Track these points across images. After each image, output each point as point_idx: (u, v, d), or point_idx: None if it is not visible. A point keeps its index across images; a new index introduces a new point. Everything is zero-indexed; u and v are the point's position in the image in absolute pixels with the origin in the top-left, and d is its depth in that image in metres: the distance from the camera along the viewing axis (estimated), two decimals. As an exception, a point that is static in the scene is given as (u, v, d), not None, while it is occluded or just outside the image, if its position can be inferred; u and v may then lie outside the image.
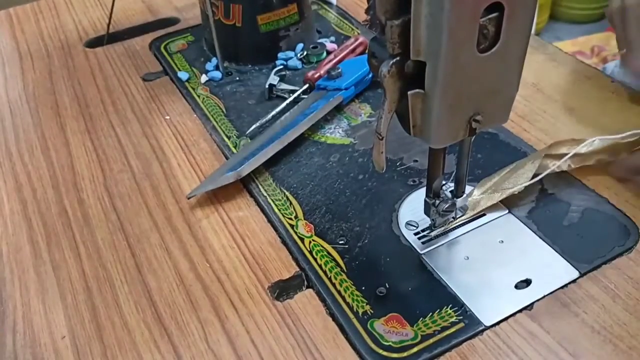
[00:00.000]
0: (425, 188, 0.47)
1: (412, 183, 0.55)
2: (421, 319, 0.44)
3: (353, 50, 0.72)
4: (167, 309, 0.47)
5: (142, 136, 0.65)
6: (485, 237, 0.49)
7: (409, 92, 0.37)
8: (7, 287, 0.50)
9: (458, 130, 0.39)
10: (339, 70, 0.67)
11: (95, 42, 0.85)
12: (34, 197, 0.59)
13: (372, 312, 0.44)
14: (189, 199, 0.56)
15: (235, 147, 0.62)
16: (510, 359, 0.41)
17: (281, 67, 0.71)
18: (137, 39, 0.84)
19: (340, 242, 0.50)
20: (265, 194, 0.56)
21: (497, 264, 0.47)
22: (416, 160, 0.58)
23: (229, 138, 0.63)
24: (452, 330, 0.43)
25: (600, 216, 0.50)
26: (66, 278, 0.50)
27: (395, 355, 0.41)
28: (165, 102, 0.71)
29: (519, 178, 0.51)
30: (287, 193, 0.56)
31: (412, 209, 0.52)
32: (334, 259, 0.49)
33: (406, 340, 0.42)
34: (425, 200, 0.47)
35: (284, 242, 0.51)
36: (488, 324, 0.43)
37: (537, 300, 0.44)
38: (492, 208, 0.51)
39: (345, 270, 0.48)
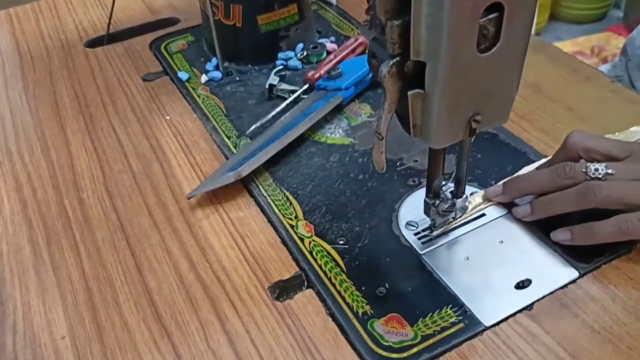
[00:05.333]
0: (425, 188, 0.47)
1: (412, 183, 0.55)
2: (421, 319, 0.44)
3: (353, 51, 0.72)
4: (167, 309, 0.47)
5: (142, 136, 0.65)
6: (485, 237, 0.49)
7: (409, 93, 0.37)
8: (7, 287, 0.50)
9: (458, 131, 0.39)
10: (339, 70, 0.67)
11: (95, 42, 0.85)
12: (34, 197, 0.59)
13: (372, 312, 0.44)
14: (189, 199, 0.56)
15: (235, 147, 0.62)
16: (510, 359, 0.41)
17: (281, 67, 0.71)
18: (137, 39, 0.84)
19: (340, 242, 0.50)
20: (265, 194, 0.56)
21: (497, 264, 0.47)
22: (416, 160, 0.58)
23: (229, 138, 0.63)
24: (452, 330, 0.43)
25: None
26: (66, 278, 0.50)
27: (395, 355, 0.41)
28: (166, 102, 0.71)
29: None
30: (287, 193, 0.56)
31: (412, 209, 0.52)
32: (334, 259, 0.49)
33: (406, 340, 0.42)
34: (425, 201, 0.48)
35: (284, 242, 0.51)
36: (488, 324, 0.43)
37: (537, 300, 0.44)
38: (492, 208, 0.51)
39: (345, 271, 0.48)
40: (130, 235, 0.53)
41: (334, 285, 0.47)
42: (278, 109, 0.65)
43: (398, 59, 0.37)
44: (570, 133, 0.49)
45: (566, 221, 0.47)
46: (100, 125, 0.68)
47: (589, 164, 0.46)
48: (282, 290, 0.47)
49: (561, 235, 0.47)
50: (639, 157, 0.46)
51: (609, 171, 0.45)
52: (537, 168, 0.53)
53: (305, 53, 0.74)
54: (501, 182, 0.52)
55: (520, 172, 0.53)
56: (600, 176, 0.45)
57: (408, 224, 0.51)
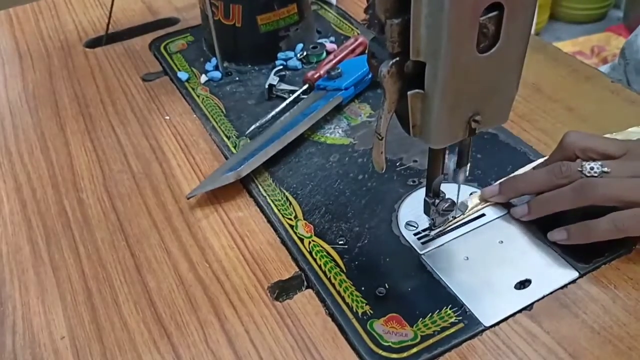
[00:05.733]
0: (425, 188, 0.47)
1: (411, 183, 0.55)
2: (421, 319, 0.43)
3: (353, 51, 0.72)
4: (167, 310, 0.47)
5: (142, 136, 0.65)
6: (485, 237, 0.49)
7: (408, 93, 0.37)
8: (6, 287, 0.50)
9: (458, 131, 0.39)
10: (339, 70, 0.67)
11: (95, 42, 0.85)
12: (33, 197, 0.59)
13: (371, 312, 0.44)
14: (188, 199, 0.56)
15: (235, 147, 0.62)
16: (510, 359, 0.41)
17: (281, 67, 0.71)
18: (137, 39, 0.84)
19: (340, 242, 0.50)
20: (264, 194, 0.56)
21: (497, 264, 0.47)
22: (416, 160, 0.58)
23: (228, 138, 0.63)
24: (452, 330, 0.43)
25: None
26: (66, 278, 0.50)
27: (394, 355, 0.41)
28: (165, 103, 0.71)
29: None
30: (286, 193, 0.56)
31: (412, 209, 0.52)
32: (334, 259, 0.49)
33: (406, 340, 0.42)
34: (425, 200, 0.47)
35: (283, 243, 0.51)
36: (488, 324, 0.43)
37: (537, 300, 0.44)
38: (492, 208, 0.51)
39: (345, 271, 0.48)
40: (129, 236, 0.53)
41: (333, 285, 0.47)
42: (278, 109, 0.65)
43: (398, 59, 0.36)
44: (567, 133, 0.49)
45: (565, 221, 0.47)
46: (100, 125, 0.68)
47: (584, 162, 0.46)
48: (282, 290, 0.47)
49: (558, 235, 0.47)
50: (635, 155, 0.47)
51: (605, 169, 0.45)
52: (533, 168, 0.53)
53: (305, 53, 0.74)
54: (498, 182, 0.52)
55: (517, 173, 0.53)
56: (595, 174, 0.45)
57: (408, 224, 0.51)
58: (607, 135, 0.53)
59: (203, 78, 0.73)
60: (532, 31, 0.37)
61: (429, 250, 0.49)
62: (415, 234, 0.50)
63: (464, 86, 0.37)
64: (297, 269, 0.49)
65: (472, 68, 0.36)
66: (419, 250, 0.49)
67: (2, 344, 0.45)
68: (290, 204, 0.54)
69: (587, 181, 0.45)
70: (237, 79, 0.73)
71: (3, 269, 0.52)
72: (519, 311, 0.44)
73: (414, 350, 0.42)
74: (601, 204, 0.45)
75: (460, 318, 0.43)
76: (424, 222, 0.50)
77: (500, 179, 0.52)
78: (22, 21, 0.93)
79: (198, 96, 0.71)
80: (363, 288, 0.46)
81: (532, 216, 0.48)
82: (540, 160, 0.54)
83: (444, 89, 0.36)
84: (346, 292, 0.46)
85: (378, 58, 0.38)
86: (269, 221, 0.53)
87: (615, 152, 0.47)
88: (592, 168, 0.45)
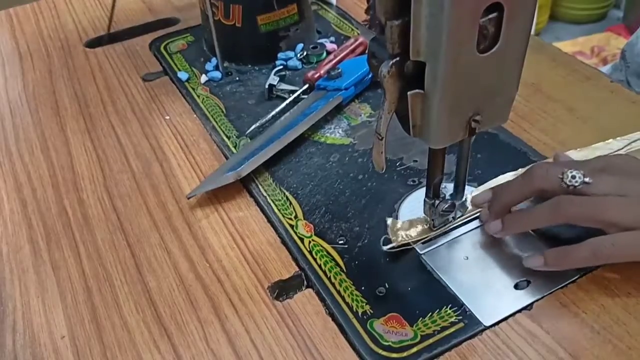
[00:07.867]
0: (425, 188, 0.47)
1: (411, 183, 0.55)
2: (421, 319, 0.44)
3: (353, 51, 0.72)
4: (167, 309, 0.47)
5: (142, 136, 0.65)
6: (485, 237, 0.49)
7: (408, 93, 0.37)
8: (7, 287, 0.50)
9: (458, 131, 0.39)
10: (339, 70, 0.67)
11: (95, 42, 0.85)
12: (34, 197, 0.59)
13: (371, 312, 0.44)
14: (189, 199, 0.56)
15: (235, 147, 0.62)
16: (510, 359, 0.41)
17: (281, 67, 0.71)
18: (137, 39, 0.84)
19: (340, 242, 0.50)
20: (265, 194, 0.56)
21: (497, 264, 0.47)
22: (416, 161, 0.58)
23: (229, 138, 0.63)
24: (452, 330, 0.43)
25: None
26: (66, 278, 0.50)
27: (394, 355, 0.41)
28: (165, 102, 0.71)
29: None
30: (287, 193, 0.56)
31: (412, 209, 0.52)
32: (334, 259, 0.49)
33: (406, 340, 0.42)
34: (425, 200, 0.48)
35: (283, 242, 0.51)
36: (488, 324, 0.43)
37: (537, 300, 0.44)
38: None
39: (345, 270, 0.48)
40: (130, 235, 0.53)
41: (333, 285, 0.47)
42: (278, 109, 0.65)
43: (398, 59, 0.37)
44: (533, 166, 0.46)
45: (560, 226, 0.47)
46: (100, 125, 0.68)
47: (566, 170, 0.43)
48: (282, 290, 0.47)
49: (534, 261, 0.45)
50: (614, 170, 0.44)
51: (587, 180, 0.42)
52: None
53: (305, 53, 0.74)
54: (483, 191, 0.50)
55: (489, 184, 0.52)
56: (576, 184, 0.42)
57: (408, 223, 0.51)
58: (573, 156, 0.52)
59: (203, 78, 0.73)
60: (532, 31, 0.38)
61: (428, 250, 0.49)
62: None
63: (464, 86, 0.37)
64: (297, 269, 0.49)
65: (472, 68, 0.36)
66: (418, 250, 0.49)
67: (2, 343, 0.46)
68: (291, 203, 0.54)
69: (563, 198, 0.42)
70: (237, 79, 0.73)
71: (3, 269, 0.52)
72: (519, 311, 0.44)
73: (414, 349, 0.42)
74: (577, 223, 0.43)
75: (460, 318, 0.43)
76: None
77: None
78: (22, 21, 0.93)
79: (198, 96, 0.71)
80: (363, 288, 0.46)
81: (506, 232, 0.47)
82: (511, 174, 0.52)
83: (444, 89, 0.36)
84: (346, 291, 0.46)
85: (378, 58, 0.38)
86: (269, 221, 0.53)
87: (593, 169, 0.44)
88: (573, 177, 0.42)
